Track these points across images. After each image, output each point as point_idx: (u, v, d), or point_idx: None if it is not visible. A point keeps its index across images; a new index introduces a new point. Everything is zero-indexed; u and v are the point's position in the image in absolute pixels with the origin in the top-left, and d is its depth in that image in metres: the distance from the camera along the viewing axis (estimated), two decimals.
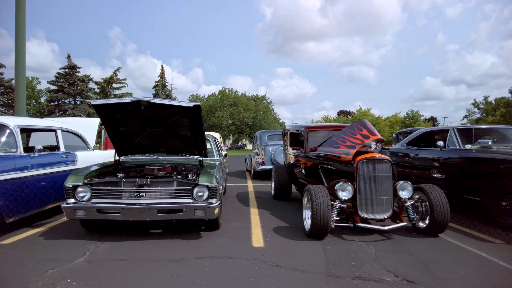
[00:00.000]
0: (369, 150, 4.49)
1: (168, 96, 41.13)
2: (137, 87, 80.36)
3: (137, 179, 3.95)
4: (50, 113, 30.08)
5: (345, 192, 4.10)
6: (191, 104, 3.99)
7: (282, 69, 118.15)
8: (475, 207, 5.02)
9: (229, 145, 47.13)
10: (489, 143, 5.85)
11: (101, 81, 34.99)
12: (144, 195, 3.90)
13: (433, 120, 64.01)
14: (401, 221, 4.16)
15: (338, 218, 4.16)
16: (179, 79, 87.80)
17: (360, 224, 4.04)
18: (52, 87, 31.02)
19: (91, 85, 33.33)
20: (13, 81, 27.57)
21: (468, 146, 5.31)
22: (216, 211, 3.92)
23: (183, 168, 4.83)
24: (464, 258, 3.37)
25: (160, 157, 5.24)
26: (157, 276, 2.91)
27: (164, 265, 3.16)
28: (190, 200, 3.90)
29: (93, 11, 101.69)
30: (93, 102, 4.18)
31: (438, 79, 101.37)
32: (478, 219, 4.95)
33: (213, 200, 3.90)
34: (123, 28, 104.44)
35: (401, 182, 4.20)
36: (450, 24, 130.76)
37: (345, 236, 4.13)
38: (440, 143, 5.70)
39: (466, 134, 5.65)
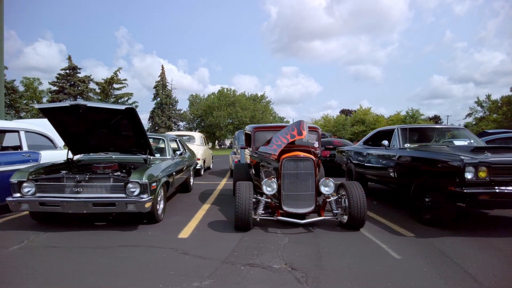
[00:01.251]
0: (311, 148, 4.79)
1: (168, 96, 41.78)
2: (143, 86, 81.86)
3: (77, 176, 4.32)
4: None
5: (270, 188, 4.41)
6: (123, 107, 4.34)
7: (287, 68, 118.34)
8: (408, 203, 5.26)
9: (228, 144, 47.56)
10: (466, 142, 5.87)
11: (102, 81, 35.79)
12: (82, 190, 4.27)
13: (436, 118, 63.52)
14: (323, 216, 4.45)
15: (263, 212, 4.47)
16: (185, 78, 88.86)
17: (279, 218, 4.34)
18: (53, 88, 31.83)
19: (92, 85, 34.17)
20: (15, 82, 28.48)
21: (407, 145, 5.55)
22: (147, 205, 4.27)
23: (131, 166, 5.19)
24: (362, 249, 3.64)
25: (113, 156, 5.64)
26: (76, 260, 3.26)
27: (88, 252, 3.52)
28: (123, 195, 4.26)
29: (99, 12, 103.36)
30: (37, 106, 4.58)
31: (445, 77, 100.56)
32: (409, 215, 5.18)
33: (145, 195, 4.25)
34: (130, 29, 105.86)
35: (323, 179, 4.48)
36: (458, 21, 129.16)
37: (270, 228, 4.43)
38: (385, 142, 5.94)
39: (408, 133, 5.89)
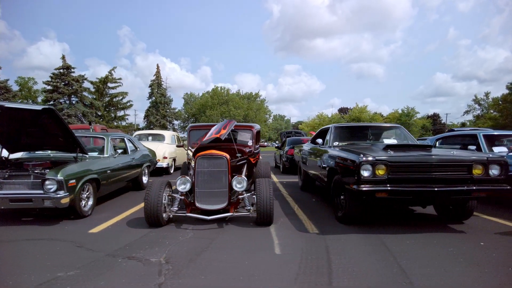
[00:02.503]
0: (241, 147, 4.92)
1: (163, 95, 42.09)
2: (146, 85, 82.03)
3: None
4: None
5: (183, 185, 4.54)
6: (39, 107, 4.50)
7: (290, 67, 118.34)
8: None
9: None
10: (396, 141, 5.95)
11: (97, 80, 36.20)
12: (2, 187, 4.46)
13: (435, 116, 63.04)
14: (236, 212, 4.58)
15: (177, 208, 4.61)
16: (187, 77, 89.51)
17: (188, 214, 4.48)
18: (48, 87, 32.27)
19: (87, 85, 34.59)
20: (9, 82, 28.94)
21: (336, 143, 5.65)
22: (64, 201, 4.43)
23: (63, 164, 5.36)
24: (250, 244, 3.75)
25: (51, 154, 5.83)
26: None
27: None
28: (41, 192, 4.43)
29: (102, 11, 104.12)
30: None
31: (449, 75, 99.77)
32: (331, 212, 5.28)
33: (61, 192, 4.42)
34: (132, 27, 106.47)
35: (236, 176, 4.60)
36: (462, 18, 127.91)
37: (185, 225, 4.55)
38: (319, 140, 6.04)
39: (342, 131, 5.98)
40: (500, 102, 40.61)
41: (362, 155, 4.01)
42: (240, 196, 4.60)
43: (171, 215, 4.54)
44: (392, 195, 3.92)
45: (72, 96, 33.08)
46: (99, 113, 35.15)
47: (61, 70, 32.73)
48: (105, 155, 6.08)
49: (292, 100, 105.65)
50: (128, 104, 38.40)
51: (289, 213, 5.31)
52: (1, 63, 66.04)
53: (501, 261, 3.21)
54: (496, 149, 6.16)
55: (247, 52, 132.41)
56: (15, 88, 31.82)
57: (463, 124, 50.32)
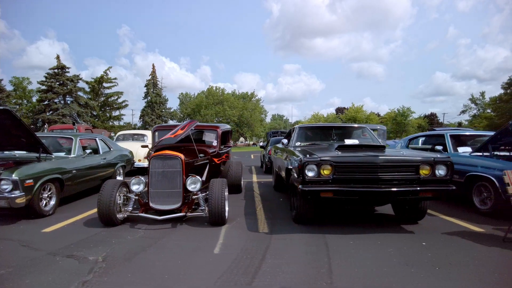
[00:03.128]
0: (203, 147, 4.93)
1: (158, 94, 42.14)
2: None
3: None
4: (40, 112, 31.57)
5: (136, 186, 4.59)
6: None
7: (290, 66, 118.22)
8: None
9: None
10: (358, 141, 5.99)
11: (92, 80, 36.28)
12: None
13: (432, 116, 62.93)
14: (191, 212, 4.63)
15: (131, 208, 4.65)
16: (187, 77, 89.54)
17: (140, 214, 4.53)
18: (42, 87, 32.35)
19: (82, 85, 34.69)
20: (2, 82, 28.99)
21: (298, 143, 5.70)
22: (19, 201, 4.48)
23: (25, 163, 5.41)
24: (192, 243, 3.79)
25: (17, 154, 5.88)
26: None
27: None
28: None
29: (102, 10, 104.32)
30: None
31: (448, 74, 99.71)
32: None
33: (16, 192, 4.47)
34: (132, 27, 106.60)
35: (190, 176, 4.64)
36: (462, 17, 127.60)
37: (140, 224, 4.59)
38: (284, 140, 6.09)
39: (305, 131, 6.05)
40: (497, 102, 40.58)
41: (307, 155, 4.04)
42: (194, 197, 4.64)
43: (126, 215, 4.59)
44: (337, 195, 3.95)
45: (67, 96, 33.14)
46: (95, 113, 35.22)
47: (56, 70, 32.78)
48: (72, 155, 6.12)
49: (292, 99, 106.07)
50: (124, 104, 38.52)
51: (249, 212, 5.35)
52: (1, 62, 66.13)
53: (433, 261, 3.24)
54: (460, 149, 6.20)
55: (247, 51, 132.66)
56: (9, 88, 32.03)
57: (460, 124, 50.27)
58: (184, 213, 4.54)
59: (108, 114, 37.13)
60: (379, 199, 4.07)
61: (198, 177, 4.64)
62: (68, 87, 32.44)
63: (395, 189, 3.92)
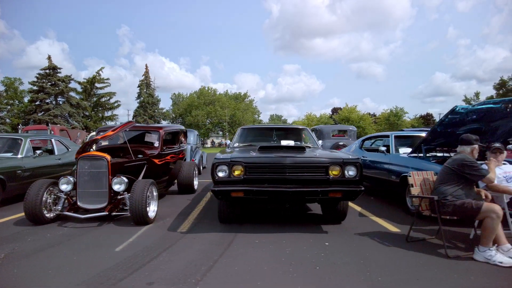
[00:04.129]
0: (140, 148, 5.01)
1: (150, 95, 42.39)
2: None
3: None
4: (31, 113, 31.80)
5: (65, 185, 4.72)
6: None
7: (290, 66, 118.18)
8: None
9: (209, 143, 47.79)
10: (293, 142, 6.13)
11: (84, 81, 36.51)
12: None
13: (428, 116, 62.86)
14: (117, 211, 4.75)
15: (60, 207, 4.78)
16: (186, 77, 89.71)
17: (65, 213, 4.66)
18: (33, 88, 32.60)
19: (74, 85, 34.88)
20: None
21: (236, 144, 5.81)
22: None
23: None
24: (100, 241, 3.94)
25: None
26: None
27: None
28: None
29: (101, 10, 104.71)
30: None
31: (448, 74, 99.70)
32: None
33: None
34: (132, 27, 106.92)
35: (116, 177, 4.76)
36: (461, 18, 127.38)
37: (70, 223, 4.71)
38: (227, 141, 6.22)
39: (246, 132, 6.20)
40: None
41: (219, 157, 4.16)
42: (119, 197, 4.76)
43: (54, 214, 4.71)
44: (247, 195, 4.06)
45: (59, 96, 33.36)
46: (87, 113, 35.42)
47: (47, 71, 33.00)
48: (20, 156, 6.25)
49: (292, 100, 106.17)
50: (116, 104, 38.73)
51: (184, 213, 5.46)
52: (0, 62, 66.41)
53: (320, 261, 3.31)
54: (401, 150, 6.31)
55: (246, 51, 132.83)
56: (1, 88, 32.25)
57: None
58: (107, 213, 4.66)
59: (100, 115, 37.33)
60: (287, 199, 4.17)
61: (123, 177, 4.76)
62: (60, 87, 32.64)
63: (303, 189, 4.03)
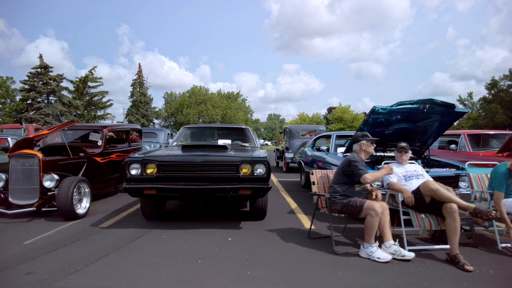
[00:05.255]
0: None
1: (143, 94, 42.58)
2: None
3: None
4: (23, 112, 32.05)
5: None
6: None
7: (289, 66, 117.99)
8: None
9: None
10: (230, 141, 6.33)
11: (77, 80, 36.71)
12: None
13: None
14: (44, 207, 4.93)
15: None
16: (186, 76, 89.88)
17: None
18: (24, 86, 32.78)
19: (66, 84, 35.06)
20: None
21: (175, 143, 5.99)
22: None
23: None
24: (12, 235, 4.11)
25: None
26: None
27: None
28: None
29: (100, 9, 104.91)
30: None
31: (447, 74, 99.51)
32: None
33: None
34: (131, 26, 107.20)
35: (46, 174, 4.92)
36: (460, 18, 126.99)
37: (1, 219, 4.89)
38: (170, 140, 6.38)
39: (188, 131, 6.38)
40: (481, 103, 40.52)
41: (133, 156, 4.32)
42: (49, 193, 4.93)
43: None
44: (160, 192, 4.23)
45: (51, 95, 33.59)
46: (79, 112, 35.65)
47: (39, 69, 33.22)
48: None
49: (291, 99, 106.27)
50: (108, 103, 38.93)
51: (121, 209, 5.63)
52: (0, 62, 66.67)
53: (209, 255, 3.48)
54: (339, 149, 6.48)
55: (246, 51, 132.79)
56: None
57: None
58: (35, 208, 4.83)
59: (93, 114, 37.55)
60: (198, 196, 4.33)
61: (54, 175, 4.94)
62: (51, 86, 32.84)
63: (213, 186, 4.19)
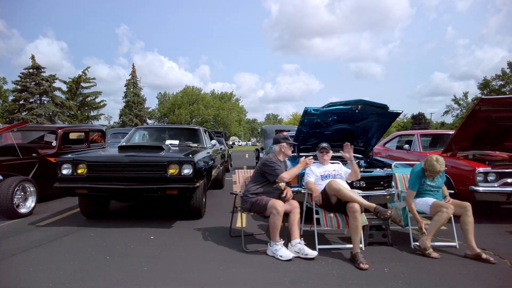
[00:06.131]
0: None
1: (136, 94, 42.77)
2: (143, 84, 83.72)
3: None
4: (15, 112, 32.24)
5: None
6: None
7: (289, 66, 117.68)
8: None
9: None
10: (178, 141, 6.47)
11: (70, 80, 36.97)
12: None
13: (420, 116, 62.88)
14: None
15: None
16: (186, 76, 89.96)
17: None
18: (16, 87, 33.01)
19: (59, 84, 35.31)
20: None
21: (123, 143, 6.09)
22: None
23: None
24: None
25: None
26: None
27: None
28: None
29: (100, 9, 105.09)
30: None
31: (446, 74, 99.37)
32: None
33: None
34: (131, 26, 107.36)
35: None
36: (460, 18, 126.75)
37: None
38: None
39: (145, 132, 6.51)
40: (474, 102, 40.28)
41: (65, 156, 4.44)
42: None
43: None
44: (91, 191, 4.35)
45: (44, 95, 33.81)
46: (72, 113, 35.86)
47: (31, 70, 33.44)
48: None
49: (291, 99, 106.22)
50: (102, 104, 39.17)
51: (68, 209, 5.73)
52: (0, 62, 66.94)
53: (123, 253, 3.60)
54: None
55: (245, 51, 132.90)
56: None
57: (443, 124, 50.15)
58: None
59: (86, 114, 37.77)
60: (127, 195, 4.44)
61: None
62: (43, 87, 33.06)
63: (140, 186, 4.30)
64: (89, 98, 38.11)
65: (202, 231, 4.41)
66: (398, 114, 5.30)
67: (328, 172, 4.12)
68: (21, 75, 33.32)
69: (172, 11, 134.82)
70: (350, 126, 5.57)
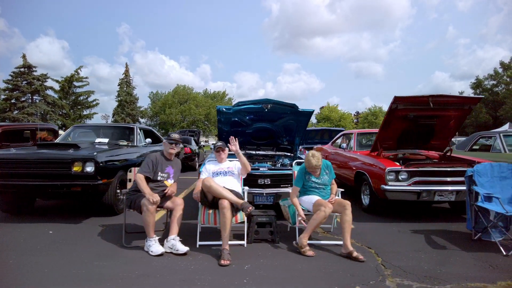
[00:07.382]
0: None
1: (129, 93, 42.94)
2: (145, 83, 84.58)
3: None
4: (6, 111, 32.55)
5: None
6: None
7: (289, 65, 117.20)
8: None
9: None
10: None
11: (62, 79, 37.23)
12: None
13: None
14: None
15: None
16: (186, 75, 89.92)
17: None
18: (8, 86, 33.30)
19: (51, 83, 35.59)
20: None
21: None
22: None
23: None
24: None
25: None
26: None
27: None
28: None
29: (101, 8, 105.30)
30: None
31: (447, 74, 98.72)
32: None
33: None
34: (131, 25, 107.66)
35: None
36: (461, 17, 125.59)
37: None
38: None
39: (83, 130, 6.65)
40: None
41: None
42: None
43: None
44: (0, 188, 4.48)
45: (36, 95, 34.09)
46: (64, 112, 36.13)
47: (22, 69, 33.73)
48: None
49: (291, 98, 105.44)
50: (94, 103, 39.42)
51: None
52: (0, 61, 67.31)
53: (14, 247, 3.72)
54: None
55: (246, 50, 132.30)
56: None
57: None
58: None
59: (79, 113, 38.05)
60: (34, 192, 4.60)
61: None
62: (34, 86, 33.31)
63: (45, 183, 4.42)
64: (81, 97, 38.34)
65: (105, 227, 4.52)
66: (311, 112, 5.37)
67: (221, 169, 4.20)
68: (12, 74, 33.60)
69: (172, 10, 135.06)
70: (270, 125, 5.65)
